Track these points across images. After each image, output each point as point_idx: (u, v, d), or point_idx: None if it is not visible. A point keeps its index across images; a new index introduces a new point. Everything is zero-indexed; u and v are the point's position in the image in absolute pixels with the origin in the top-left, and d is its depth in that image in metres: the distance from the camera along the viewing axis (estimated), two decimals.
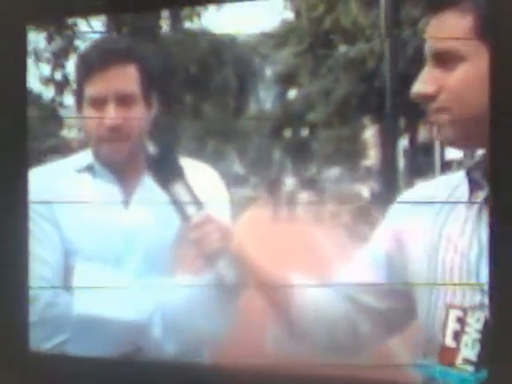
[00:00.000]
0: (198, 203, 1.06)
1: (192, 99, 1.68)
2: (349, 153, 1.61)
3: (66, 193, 1.15)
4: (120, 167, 1.17)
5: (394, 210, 0.99)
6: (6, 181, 1.22)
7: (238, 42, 1.68)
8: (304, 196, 1.56)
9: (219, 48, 1.67)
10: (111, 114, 1.10)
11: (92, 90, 1.12)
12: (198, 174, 1.15)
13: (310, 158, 1.62)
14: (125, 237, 1.14)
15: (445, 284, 0.86)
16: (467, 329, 0.81)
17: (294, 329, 1.02)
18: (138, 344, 1.11)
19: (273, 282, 1.01)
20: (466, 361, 0.81)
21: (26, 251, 1.17)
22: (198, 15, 1.62)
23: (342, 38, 1.57)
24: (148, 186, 1.13)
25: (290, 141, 1.66)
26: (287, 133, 1.67)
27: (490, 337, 0.81)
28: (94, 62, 1.11)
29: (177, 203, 1.06)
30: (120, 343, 1.11)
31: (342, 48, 1.58)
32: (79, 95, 1.14)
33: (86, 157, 1.18)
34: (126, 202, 1.17)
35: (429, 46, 0.86)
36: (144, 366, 1.12)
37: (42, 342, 1.14)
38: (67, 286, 1.12)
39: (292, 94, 1.68)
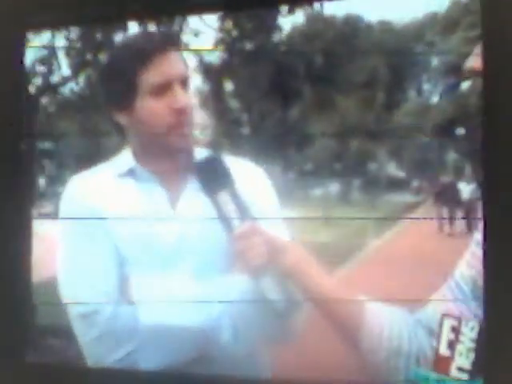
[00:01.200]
0: (244, 212, 0.99)
1: (317, 92, 1.59)
2: None
3: (110, 200, 1.10)
4: (166, 167, 1.11)
5: None
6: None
7: (385, 27, 1.48)
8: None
9: (355, 35, 1.51)
10: (179, 96, 1.05)
11: (155, 76, 1.06)
12: (250, 178, 1.10)
13: None
14: (174, 242, 1.09)
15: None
16: (461, 338, 0.83)
17: (357, 345, 0.95)
18: (206, 350, 1.06)
19: (342, 300, 0.96)
20: (461, 370, 0.82)
21: (28, 262, 1.19)
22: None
23: None
24: (195, 189, 1.08)
25: (463, 139, 1.44)
26: (459, 131, 1.47)
27: (485, 346, 0.82)
28: (152, 48, 1.07)
29: (221, 211, 0.99)
30: (188, 350, 1.07)
31: None
32: (132, 88, 1.07)
33: (126, 160, 1.12)
34: (173, 206, 1.11)
35: None
36: (147, 375, 1.10)
37: (103, 356, 1.09)
38: (127, 299, 1.09)
39: (465, 85, 1.40)
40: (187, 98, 1.07)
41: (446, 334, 0.83)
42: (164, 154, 1.09)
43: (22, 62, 1.29)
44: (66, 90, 1.81)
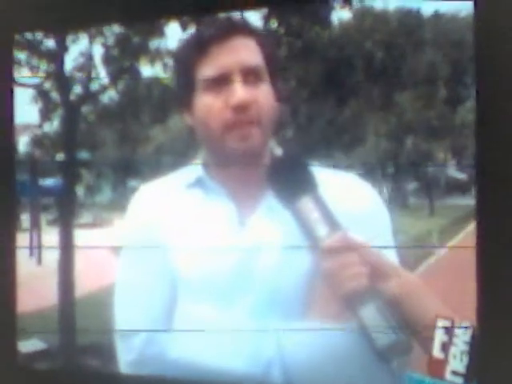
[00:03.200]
0: (334, 223, 0.82)
1: (372, 90, 1.49)
2: None
3: (172, 213, 0.98)
4: (236, 178, 0.97)
5: None
6: None
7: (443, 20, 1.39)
8: None
9: (412, 29, 1.40)
10: (237, 90, 0.91)
11: (210, 67, 0.93)
12: (341, 188, 0.93)
13: None
14: (239, 267, 0.93)
15: None
16: (455, 340, 0.79)
17: None
18: None
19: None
20: (455, 373, 0.78)
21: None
22: None
23: None
24: (272, 202, 0.92)
25: None
26: None
27: (478, 348, 0.78)
28: (212, 36, 0.93)
29: (305, 222, 0.83)
30: None
31: None
32: (190, 83, 0.96)
33: (195, 169, 1.00)
34: (242, 223, 0.95)
35: None
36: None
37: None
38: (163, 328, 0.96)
39: None
40: (249, 92, 0.91)
41: (440, 336, 0.79)
42: (230, 161, 0.95)
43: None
44: (105, 98, 1.79)
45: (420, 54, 1.43)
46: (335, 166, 1.02)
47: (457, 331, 0.78)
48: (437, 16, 1.42)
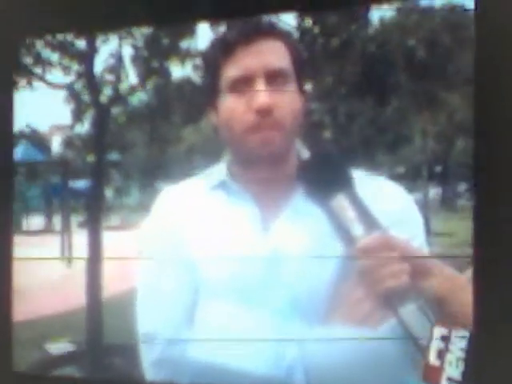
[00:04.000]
0: (371, 222, 0.80)
1: (416, 88, 1.44)
2: None
3: (195, 216, 0.98)
4: (261, 181, 0.96)
5: None
6: None
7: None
8: None
9: (457, 26, 1.34)
10: (261, 93, 0.91)
11: (234, 69, 0.93)
12: (374, 189, 0.90)
13: None
14: (263, 271, 0.92)
15: None
16: (451, 347, 0.78)
17: None
18: None
19: None
20: (450, 380, 0.78)
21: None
22: None
23: None
24: (298, 206, 0.92)
25: None
26: None
27: (474, 355, 0.78)
28: (237, 37, 0.93)
29: (340, 221, 0.81)
30: None
31: None
32: (214, 83, 0.96)
33: (219, 171, 1.01)
34: (266, 227, 0.94)
35: None
36: None
37: None
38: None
39: None
40: (272, 95, 0.91)
41: (436, 343, 0.78)
42: (254, 164, 0.95)
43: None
44: (135, 99, 1.78)
45: (465, 52, 1.34)
46: (378, 167, 1.00)
47: (453, 338, 0.77)
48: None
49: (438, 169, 1.57)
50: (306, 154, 0.96)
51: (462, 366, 0.77)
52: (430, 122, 1.48)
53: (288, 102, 0.92)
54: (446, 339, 0.77)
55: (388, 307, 0.78)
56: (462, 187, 1.64)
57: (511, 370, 0.85)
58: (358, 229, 0.80)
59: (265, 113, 0.90)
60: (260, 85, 0.91)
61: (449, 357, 0.78)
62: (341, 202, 0.82)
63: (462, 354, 0.78)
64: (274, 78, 0.92)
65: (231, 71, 0.93)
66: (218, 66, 0.95)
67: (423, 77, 1.44)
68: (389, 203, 0.89)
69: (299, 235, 0.91)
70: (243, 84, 0.93)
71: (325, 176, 0.85)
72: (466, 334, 0.77)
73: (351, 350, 0.83)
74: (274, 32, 0.96)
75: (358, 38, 1.52)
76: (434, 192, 1.61)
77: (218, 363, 0.90)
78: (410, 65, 1.45)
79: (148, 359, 0.99)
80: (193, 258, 0.95)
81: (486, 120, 0.84)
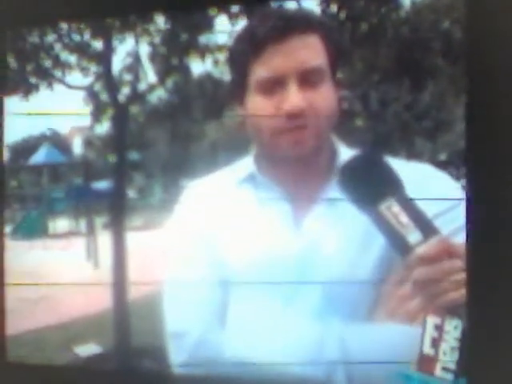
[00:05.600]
0: (428, 227, 0.74)
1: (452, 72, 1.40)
2: None
3: (223, 210, 0.93)
4: (291, 174, 0.91)
5: None
6: None
7: None
8: None
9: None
10: (292, 96, 0.85)
11: (265, 68, 0.86)
12: (418, 181, 0.82)
13: None
14: (296, 268, 0.87)
15: None
16: (445, 336, 0.77)
17: None
18: None
19: None
20: (445, 369, 0.77)
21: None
22: None
23: None
24: (331, 201, 0.88)
25: None
26: None
27: (469, 344, 0.76)
28: (267, 35, 0.85)
29: (393, 228, 0.74)
30: None
31: None
32: (242, 84, 0.90)
33: (247, 164, 0.96)
34: (298, 223, 0.90)
35: None
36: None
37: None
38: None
39: None
40: (305, 96, 0.84)
41: (430, 332, 0.77)
42: (283, 161, 0.90)
43: None
44: (154, 97, 1.76)
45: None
46: (417, 154, 0.96)
47: (447, 327, 0.76)
48: None
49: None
50: (340, 147, 0.92)
51: (456, 355, 0.76)
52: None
53: (322, 99, 0.87)
54: (439, 328, 0.76)
55: (450, 316, 0.76)
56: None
57: (507, 359, 0.83)
58: (414, 236, 0.73)
59: (295, 116, 0.85)
60: (292, 86, 0.85)
61: (444, 346, 0.77)
62: (391, 206, 0.75)
63: (456, 344, 0.76)
64: (307, 77, 0.86)
65: (261, 71, 0.87)
66: (247, 62, 0.88)
67: (460, 59, 1.39)
68: (436, 192, 0.83)
69: (333, 230, 0.87)
70: (274, 84, 0.86)
71: (369, 179, 0.77)
72: (460, 323, 0.75)
73: (394, 346, 0.80)
74: (306, 24, 0.87)
75: (390, 21, 1.47)
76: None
77: (253, 362, 0.87)
78: (444, 48, 1.41)
79: (177, 360, 0.95)
80: (222, 255, 0.92)
81: None
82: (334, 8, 1.46)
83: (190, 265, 0.94)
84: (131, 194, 1.78)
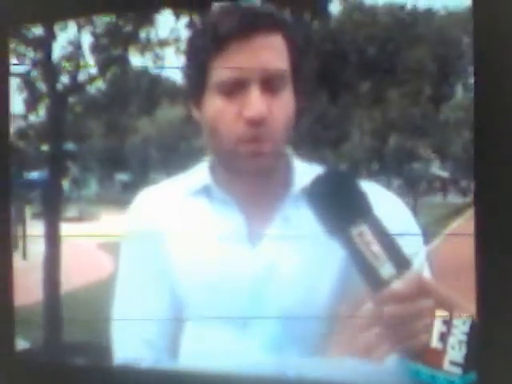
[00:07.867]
0: (401, 259, 0.68)
1: (369, 86, 1.42)
2: None
3: (174, 223, 0.87)
4: (248, 188, 0.85)
5: None
6: None
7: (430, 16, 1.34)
8: None
9: (401, 25, 1.35)
10: (255, 101, 0.78)
11: (226, 70, 0.79)
12: (387, 206, 0.77)
13: None
14: (250, 291, 0.81)
15: None
16: (454, 330, 0.77)
17: None
18: None
19: None
20: (453, 363, 0.76)
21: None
22: None
23: None
24: (288, 213, 0.82)
25: None
26: None
27: (477, 339, 0.77)
28: (232, 31, 0.78)
29: (364, 258, 0.67)
30: None
31: None
32: (201, 83, 0.82)
33: (202, 174, 0.88)
34: (253, 239, 0.83)
35: None
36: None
37: None
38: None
39: None
40: (267, 103, 0.78)
41: (438, 326, 0.76)
42: (241, 173, 0.83)
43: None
44: (93, 88, 1.73)
45: (406, 51, 1.40)
46: (322, 162, 0.96)
47: (455, 322, 0.76)
48: (430, 12, 1.40)
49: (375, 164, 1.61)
50: (295, 159, 0.88)
51: (464, 349, 0.76)
52: (368, 119, 1.51)
53: (283, 107, 0.81)
54: (447, 323, 0.77)
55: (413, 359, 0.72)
56: (397, 182, 1.67)
57: None
58: (386, 269, 0.67)
59: (257, 123, 0.78)
60: (254, 91, 0.78)
61: (452, 340, 0.77)
62: (363, 233, 0.68)
63: (465, 338, 0.77)
64: (269, 81, 0.79)
65: (222, 70, 0.80)
66: (207, 60, 0.81)
67: (370, 74, 1.46)
68: (390, 214, 0.75)
69: (290, 247, 0.81)
70: (235, 86, 0.79)
71: (339, 200, 0.70)
72: (469, 317, 0.77)
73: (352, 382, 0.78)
74: (271, 22, 0.81)
75: (314, 34, 1.52)
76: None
77: None
78: (359, 62, 1.47)
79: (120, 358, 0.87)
80: (171, 275, 0.85)
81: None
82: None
83: (137, 275, 0.87)
84: (66, 184, 1.74)
